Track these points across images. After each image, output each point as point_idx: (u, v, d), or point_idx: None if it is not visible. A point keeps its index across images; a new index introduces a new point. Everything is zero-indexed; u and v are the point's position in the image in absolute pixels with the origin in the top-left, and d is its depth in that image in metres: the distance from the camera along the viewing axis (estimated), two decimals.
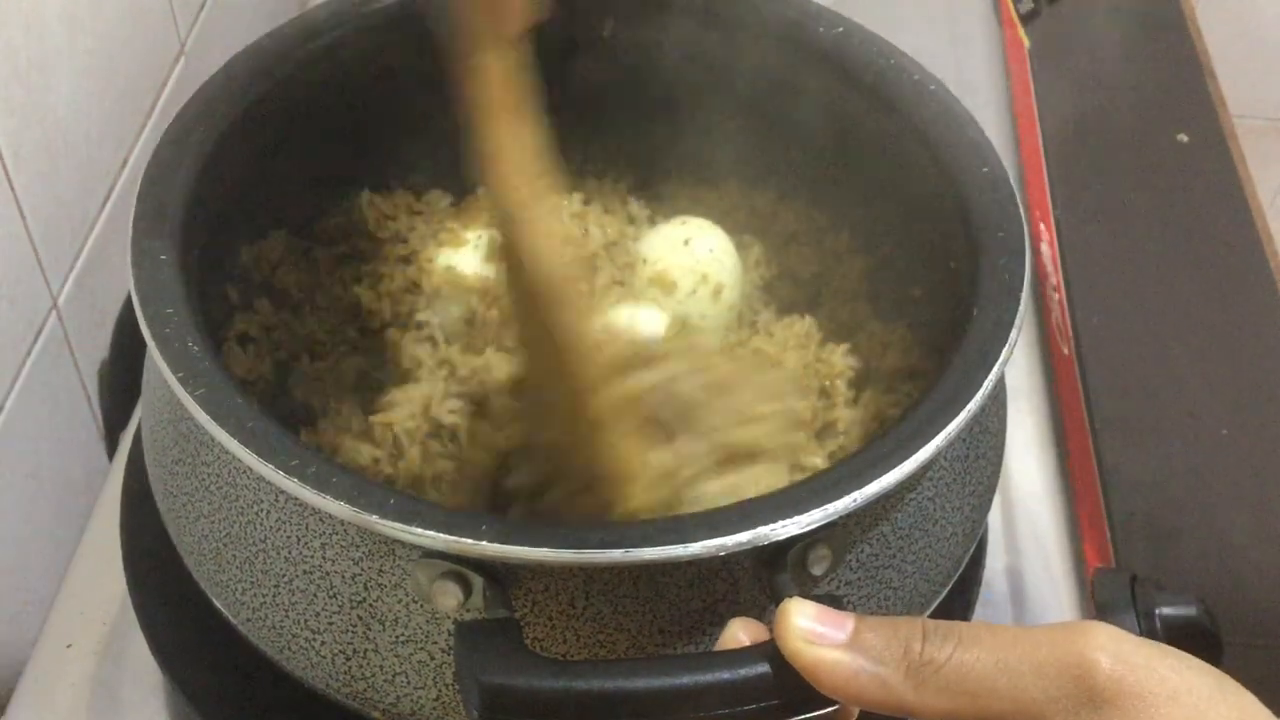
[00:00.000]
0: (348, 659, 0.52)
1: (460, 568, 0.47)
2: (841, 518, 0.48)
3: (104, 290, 0.78)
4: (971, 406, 0.52)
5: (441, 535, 0.46)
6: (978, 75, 1.04)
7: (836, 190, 0.73)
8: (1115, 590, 0.67)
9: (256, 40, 0.66)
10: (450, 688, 0.51)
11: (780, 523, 0.47)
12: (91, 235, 0.76)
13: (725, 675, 0.43)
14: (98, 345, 0.78)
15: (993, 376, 0.53)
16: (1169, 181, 0.99)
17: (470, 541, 0.46)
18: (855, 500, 0.48)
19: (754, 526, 0.47)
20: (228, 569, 0.54)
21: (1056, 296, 0.86)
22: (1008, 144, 0.98)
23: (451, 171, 0.72)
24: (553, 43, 0.70)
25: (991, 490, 0.61)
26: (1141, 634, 0.64)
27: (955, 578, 0.58)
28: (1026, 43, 1.07)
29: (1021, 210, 0.60)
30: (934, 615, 0.58)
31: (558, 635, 0.50)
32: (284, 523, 0.51)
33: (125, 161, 0.79)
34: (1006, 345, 0.54)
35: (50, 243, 0.71)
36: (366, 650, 0.51)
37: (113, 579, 0.66)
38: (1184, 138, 1.02)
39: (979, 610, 0.65)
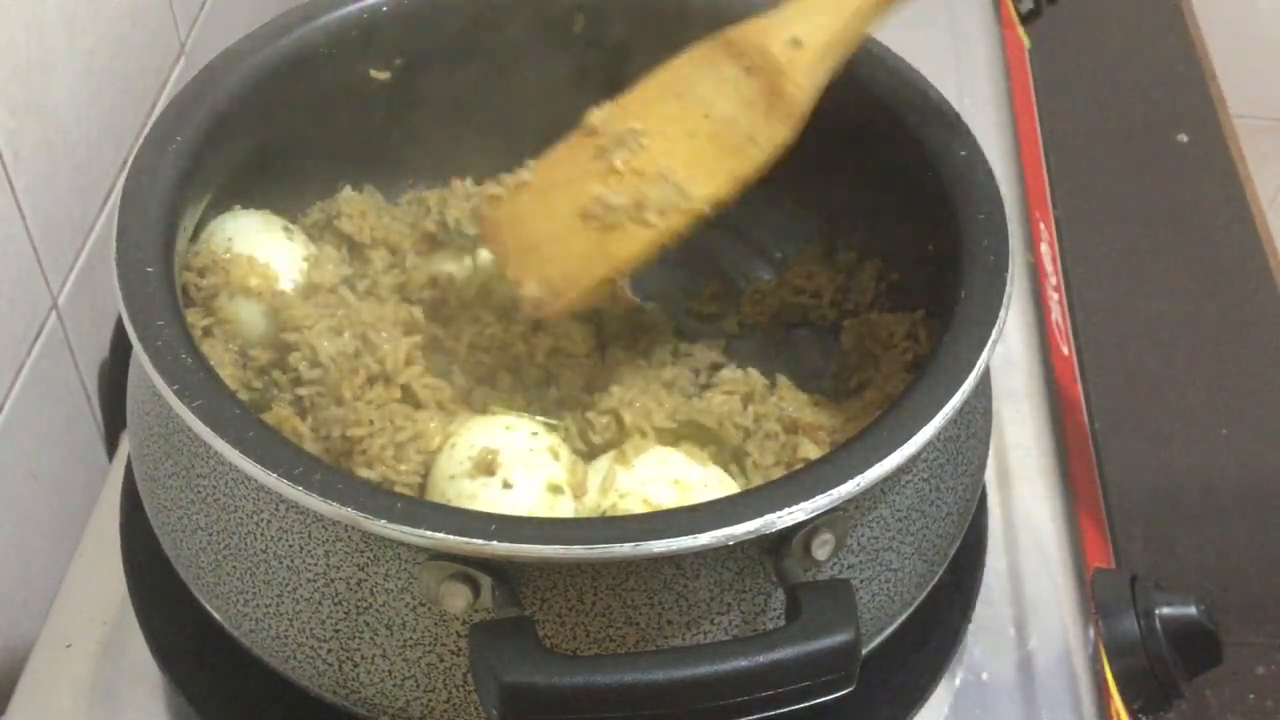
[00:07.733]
0: (355, 665, 0.51)
1: (468, 568, 0.47)
2: (844, 502, 0.49)
3: (104, 290, 0.77)
4: (966, 387, 0.52)
5: (450, 536, 0.46)
6: (978, 75, 1.04)
7: (813, 176, 0.73)
8: (1115, 590, 0.67)
9: (232, 44, 0.65)
10: (461, 689, 0.51)
11: (787, 509, 0.48)
12: (91, 235, 0.76)
13: (743, 663, 0.44)
14: (98, 345, 0.78)
15: (984, 357, 0.53)
16: (1169, 181, 0.99)
17: (480, 542, 0.46)
18: (859, 484, 0.49)
19: (762, 514, 0.47)
20: (228, 581, 0.54)
21: (1056, 296, 0.86)
22: (1008, 144, 0.98)
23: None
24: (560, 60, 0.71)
25: (982, 468, 0.61)
26: (1141, 634, 0.65)
27: (950, 557, 0.59)
28: (1027, 43, 1.07)
29: (1000, 187, 0.60)
30: (932, 610, 0.59)
31: (566, 631, 0.50)
32: (285, 532, 0.51)
33: (125, 161, 0.79)
34: (996, 325, 0.54)
35: (50, 243, 0.71)
36: (374, 656, 0.51)
37: (113, 579, 0.66)
38: (1184, 138, 1.02)
39: (979, 610, 0.65)
